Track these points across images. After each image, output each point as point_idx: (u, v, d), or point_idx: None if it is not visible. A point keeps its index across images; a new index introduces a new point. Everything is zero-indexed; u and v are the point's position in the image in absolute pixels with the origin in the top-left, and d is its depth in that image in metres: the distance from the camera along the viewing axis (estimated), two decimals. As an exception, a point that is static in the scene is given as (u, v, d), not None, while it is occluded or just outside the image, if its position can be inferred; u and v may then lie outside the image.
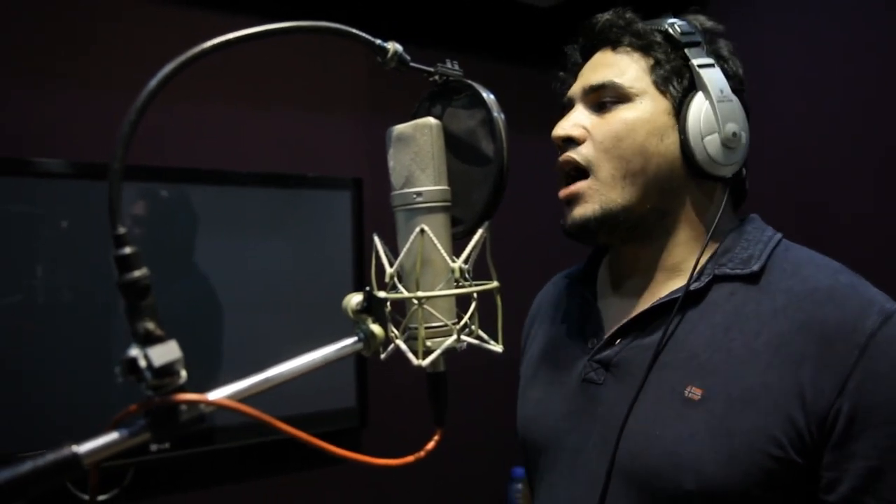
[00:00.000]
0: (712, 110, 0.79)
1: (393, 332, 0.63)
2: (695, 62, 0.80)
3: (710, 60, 0.81)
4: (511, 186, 0.66)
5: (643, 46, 0.83)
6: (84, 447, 0.47)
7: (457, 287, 0.64)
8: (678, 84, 0.81)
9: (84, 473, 0.48)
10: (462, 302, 0.67)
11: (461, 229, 0.68)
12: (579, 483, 0.82)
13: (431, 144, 0.64)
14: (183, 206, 1.81)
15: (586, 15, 0.90)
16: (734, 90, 0.82)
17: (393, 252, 0.66)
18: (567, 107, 0.87)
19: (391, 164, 0.66)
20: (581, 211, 0.82)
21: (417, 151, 0.64)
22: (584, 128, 0.83)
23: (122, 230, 0.48)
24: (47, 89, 1.71)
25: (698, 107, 0.79)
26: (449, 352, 0.64)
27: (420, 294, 0.61)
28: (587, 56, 0.89)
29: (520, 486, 2.20)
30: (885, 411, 0.66)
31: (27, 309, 1.61)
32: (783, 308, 0.73)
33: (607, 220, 0.81)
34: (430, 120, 0.65)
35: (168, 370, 0.49)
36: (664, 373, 0.77)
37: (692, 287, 0.78)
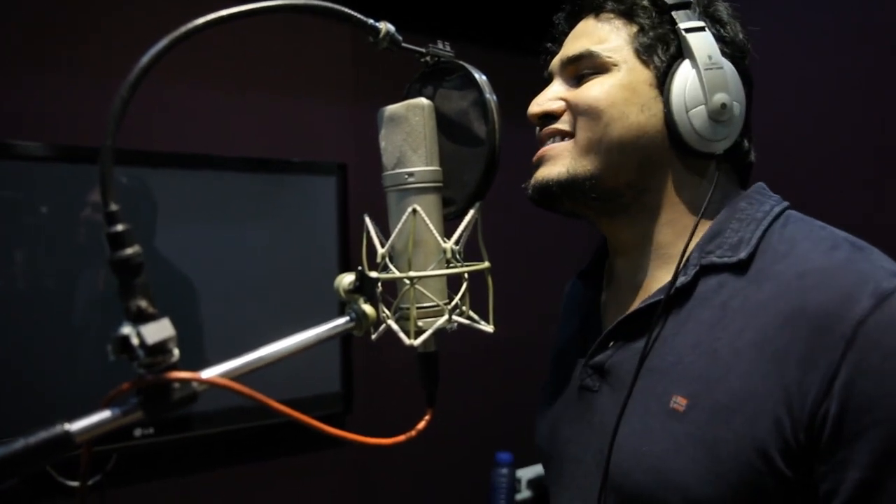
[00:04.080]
0: (699, 80, 0.72)
1: (384, 312, 0.64)
2: (681, 26, 0.73)
3: (699, 24, 0.73)
4: (504, 169, 0.66)
5: (626, 12, 0.77)
6: (76, 425, 0.47)
7: (448, 267, 0.64)
8: (663, 52, 0.75)
9: (75, 453, 0.47)
10: (452, 282, 0.67)
11: (453, 210, 0.68)
12: (579, 496, 0.79)
13: (423, 125, 0.64)
14: (164, 190, 1.78)
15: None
16: (731, 57, 0.75)
17: (384, 234, 0.66)
18: (547, 81, 0.83)
19: (382, 144, 0.65)
20: (545, 172, 0.77)
21: (409, 132, 0.64)
22: (562, 99, 0.78)
23: (114, 207, 0.48)
24: (27, 72, 1.68)
25: (683, 76, 0.72)
26: (440, 332, 0.64)
27: (412, 274, 0.61)
28: (572, 24, 0.84)
29: (504, 470, 2.21)
30: (878, 411, 0.58)
31: (8, 295, 1.59)
32: (771, 299, 0.66)
33: (570, 186, 0.76)
34: (423, 100, 0.65)
35: (161, 348, 0.48)
36: (651, 380, 0.72)
37: (679, 283, 0.72)
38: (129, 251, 0.48)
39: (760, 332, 0.65)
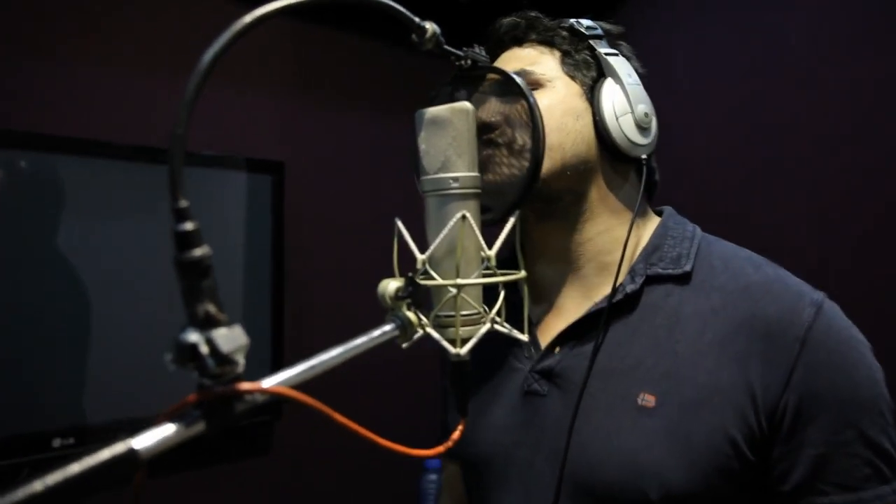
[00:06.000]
0: (623, 92, 0.80)
1: (422, 319, 0.62)
2: (601, 51, 0.83)
3: (614, 51, 0.84)
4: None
5: (548, 41, 0.85)
6: (141, 442, 0.43)
7: (486, 276, 0.64)
8: (587, 72, 0.83)
9: (135, 470, 0.43)
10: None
11: (490, 217, 0.67)
12: (532, 498, 0.80)
13: (468, 129, 0.63)
14: (77, 179, 1.63)
15: (505, 11, 0.89)
16: None
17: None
18: None
19: (423, 147, 0.64)
20: (496, 198, 0.76)
21: (455, 136, 0.62)
22: (506, 115, 0.79)
23: (184, 203, 0.44)
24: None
25: (610, 89, 0.81)
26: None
27: (460, 282, 0.60)
28: (494, 56, 0.88)
29: (433, 476, 2.20)
30: (827, 399, 0.68)
31: None
32: (721, 306, 0.74)
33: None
34: (467, 104, 0.63)
35: (231, 358, 0.45)
36: (612, 381, 0.76)
37: (629, 290, 0.78)
38: (199, 252, 0.45)
39: (719, 335, 0.72)
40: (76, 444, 1.55)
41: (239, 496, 1.97)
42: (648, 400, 0.73)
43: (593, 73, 0.82)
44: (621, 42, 0.88)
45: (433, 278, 0.62)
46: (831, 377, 0.68)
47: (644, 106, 0.80)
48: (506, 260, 0.90)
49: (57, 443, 1.52)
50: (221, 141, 1.93)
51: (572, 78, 0.82)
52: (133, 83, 1.79)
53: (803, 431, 0.68)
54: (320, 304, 2.13)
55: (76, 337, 1.59)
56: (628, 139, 0.79)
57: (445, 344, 0.60)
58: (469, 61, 0.67)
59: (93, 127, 1.71)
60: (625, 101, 0.80)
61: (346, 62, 2.23)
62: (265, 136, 2.04)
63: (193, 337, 0.44)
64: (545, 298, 0.88)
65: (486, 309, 0.65)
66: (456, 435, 0.62)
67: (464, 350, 0.60)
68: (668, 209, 0.89)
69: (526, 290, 0.67)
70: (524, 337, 0.66)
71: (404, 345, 0.63)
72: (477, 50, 0.68)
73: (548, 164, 0.77)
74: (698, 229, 0.85)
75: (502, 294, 0.65)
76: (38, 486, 0.39)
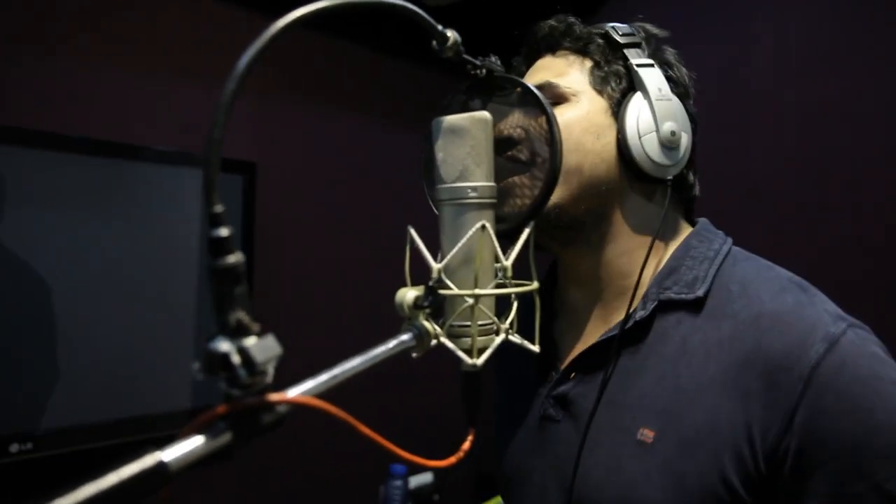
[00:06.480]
0: (650, 109, 0.76)
1: (436, 329, 0.61)
2: (633, 62, 0.78)
3: (649, 61, 0.79)
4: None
5: (581, 49, 0.82)
6: (170, 455, 0.41)
7: (497, 286, 0.64)
8: (616, 85, 0.79)
9: (164, 484, 0.42)
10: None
11: (504, 227, 0.67)
12: None
13: (486, 139, 0.63)
14: (42, 175, 1.55)
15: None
16: (678, 94, 0.80)
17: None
18: None
19: (440, 156, 0.63)
20: (510, 208, 0.74)
21: (474, 146, 0.62)
22: (521, 128, 0.76)
23: (219, 208, 0.43)
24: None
25: (636, 105, 0.77)
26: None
27: (478, 292, 0.59)
28: (530, 63, 0.88)
29: (398, 482, 2.19)
30: (834, 446, 0.62)
31: None
32: (729, 338, 0.69)
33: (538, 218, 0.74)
34: (485, 114, 0.63)
35: (263, 368, 0.44)
36: (617, 412, 0.74)
37: (638, 317, 0.75)
38: (232, 259, 0.43)
39: (722, 370, 0.68)
40: (34, 449, 1.49)
41: (201, 502, 1.93)
42: (647, 435, 0.70)
43: (623, 86, 0.79)
44: (666, 48, 0.83)
45: (448, 287, 0.61)
46: (839, 422, 0.62)
47: (671, 124, 0.76)
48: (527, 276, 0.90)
49: (14, 448, 1.46)
50: (193, 139, 1.89)
51: (599, 92, 0.79)
52: (133, 83, 1.75)
53: (807, 479, 0.63)
54: (290, 306, 2.10)
55: (33, 340, 1.53)
56: (651, 160, 0.75)
57: (461, 354, 0.60)
58: (484, 71, 0.67)
59: (93, 127, 1.67)
60: (650, 118, 0.76)
61: (319, 64, 2.20)
62: (237, 136, 2.01)
63: (225, 346, 0.43)
64: (574, 321, 0.86)
65: (497, 320, 0.65)
66: (466, 445, 0.62)
67: (480, 360, 0.59)
68: (701, 223, 0.84)
69: (538, 301, 0.67)
70: (535, 348, 0.66)
71: (415, 354, 0.63)
72: (493, 59, 0.68)
73: (564, 189, 0.75)
74: (728, 245, 0.80)
75: (515, 305, 0.65)
76: (69, 500, 0.37)
